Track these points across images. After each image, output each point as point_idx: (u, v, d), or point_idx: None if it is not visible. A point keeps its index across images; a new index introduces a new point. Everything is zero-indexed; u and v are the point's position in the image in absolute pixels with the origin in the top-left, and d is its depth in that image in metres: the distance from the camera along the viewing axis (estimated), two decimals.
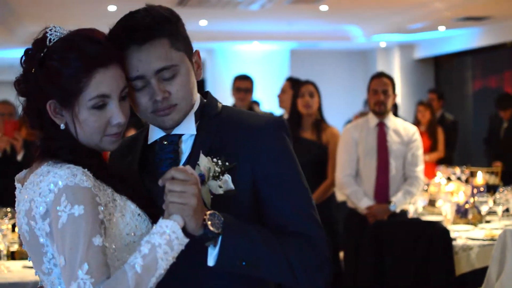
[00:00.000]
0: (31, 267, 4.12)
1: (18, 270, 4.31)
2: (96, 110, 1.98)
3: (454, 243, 4.88)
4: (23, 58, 2.04)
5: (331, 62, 16.71)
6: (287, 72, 15.10)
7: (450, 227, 5.27)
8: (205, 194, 2.01)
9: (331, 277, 2.11)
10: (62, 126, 2.02)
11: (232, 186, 2.03)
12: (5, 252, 4.45)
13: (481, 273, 4.80)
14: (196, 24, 12.58)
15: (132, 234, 2.00)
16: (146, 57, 2.04)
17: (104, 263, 1.84)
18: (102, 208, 1.92)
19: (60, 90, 1.97)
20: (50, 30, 2.01)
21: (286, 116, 6.75)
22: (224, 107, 2.23)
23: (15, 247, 4.68)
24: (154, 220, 2.00)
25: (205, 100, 2.22)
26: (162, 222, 1.89)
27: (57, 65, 1.96)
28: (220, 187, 2.02)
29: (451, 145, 10.22)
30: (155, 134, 2.19)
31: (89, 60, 1.95)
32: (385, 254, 4.95)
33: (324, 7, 10.90)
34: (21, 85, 2.05)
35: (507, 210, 5.66)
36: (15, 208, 2.07)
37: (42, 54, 1.99)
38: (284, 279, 2.06)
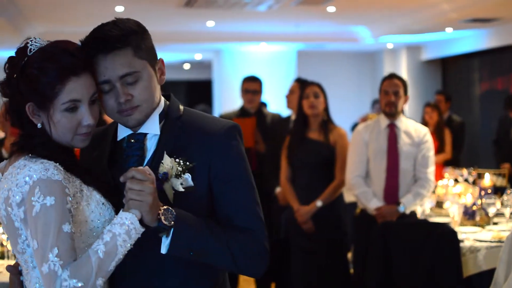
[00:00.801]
0: None
1: None
2: (68, 113, 2.28)
3: (461, 244, 4.89)
4: (6, 64, 2.34)
5: (338, 64, 16.72)
6: (294, 73, 15.10)
7: (458, 228, 5.26)
8: (168, 190, 2.34)
9: (268, 265, 2.44)
10: (39, 125, 2.30)
11: (191, 183, 2.35)
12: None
13: (488, 274, 4.80)
14: (203, 25, 12.60)
15: (97, 220, 2.29)
16: (111, 64, 2.33)
17: (72, 248, 2.15)
18: (71, 199, 2.21)
19: (37, 94, 2.26)
20: (31, 41, 2.32)
21: (293, 117, 6.76)
22: (186, 110, 2.52)
23: None
24: (117, 208, 2.30)
25: (168, 103, 2.51)
26: (122, 214, 2.20)
27: (36, 73, 2.25)
28: (181, 184, 2.34)
29: (458, 146, 10.19)
30: (123, 132, 2.48)
31: (63, 70, 2.25)
32: (393, 255, 4.95)
33: (331, 8, 10.90)
34: (4, 88, 2.34)
35: None
36: None
37: (23, 62, 2.29)
38: (227, 266, 2.41)
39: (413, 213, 5.71)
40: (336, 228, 5.98)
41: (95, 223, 2.28)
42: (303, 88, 6.20)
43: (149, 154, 2.43)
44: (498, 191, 6.55)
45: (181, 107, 2.51)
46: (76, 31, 12.43)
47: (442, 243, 4.83)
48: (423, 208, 5.80)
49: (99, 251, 2.13)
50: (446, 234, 4.86)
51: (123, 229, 2.16)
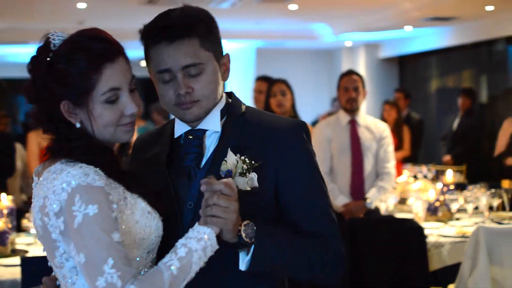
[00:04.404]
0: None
1: None
2: (109, 104, 2.07)
3: (426, 240, 4.96)
4: (30, 65, 2.10)
5: (297, 61, 16.76)
6: (253, 70, 15.14)
7: (422, 224, 5.36)
8: None
9: (344, 272, 2.28)
10: (78, 125, 2.08)
11: (256, 183, 2.12)
12: None
13: (452, 269, 4.91)
14: None
15: (142, 232, 2.06)
16: (174, 53, 2.17)
17: (126, 256, 1.93)
18: (115, 206, 1.98)
19: (72, 90, 2.04)
20: (52, 35, 2.08)
21: None
22: (248, 108, 2.36)
23: None
24: (163, 216, 2.13)
25: (230, 100, 2.35)
26: (199, 228, 2.00)
27: (65, 67, 2.04)
28: (247, 183, 2.12)
29: (417, 143, 10.36)
30: (181, 128, 2.30)
31: (96, 57, 2.04)
32: (361, 251, 5.01)
33: (293, 6, 10.95)
34: (31, 92, 2.10)
35: (476, 207, 5.76)
36: (32, 201, 2.12)
37: (48, 59, 2.06)
38: (304, 276, 2.21)
39: (377, 209, 5.79)
40: None
41: (140, 234, 2.06)
42: (270, 86, 6.24)
43: (208, 152, 2.25)
44: (458, 187, 6.68)
45: (243, 106, 2.35)
46: (38, 27, 12.31)
47: (409, 238, 4.90)
48: (386, 204, 5.89)
49: (172, 267, 1.92)
50: (413, 230, 4.93)
51: (200, 245, 1.96)
